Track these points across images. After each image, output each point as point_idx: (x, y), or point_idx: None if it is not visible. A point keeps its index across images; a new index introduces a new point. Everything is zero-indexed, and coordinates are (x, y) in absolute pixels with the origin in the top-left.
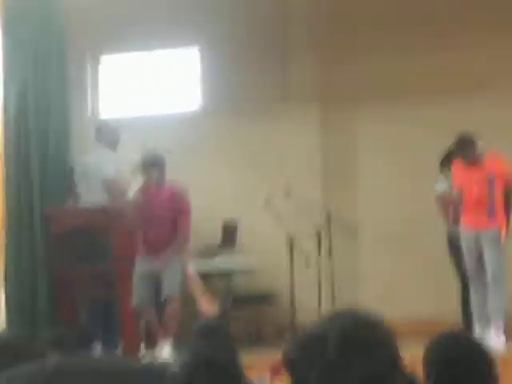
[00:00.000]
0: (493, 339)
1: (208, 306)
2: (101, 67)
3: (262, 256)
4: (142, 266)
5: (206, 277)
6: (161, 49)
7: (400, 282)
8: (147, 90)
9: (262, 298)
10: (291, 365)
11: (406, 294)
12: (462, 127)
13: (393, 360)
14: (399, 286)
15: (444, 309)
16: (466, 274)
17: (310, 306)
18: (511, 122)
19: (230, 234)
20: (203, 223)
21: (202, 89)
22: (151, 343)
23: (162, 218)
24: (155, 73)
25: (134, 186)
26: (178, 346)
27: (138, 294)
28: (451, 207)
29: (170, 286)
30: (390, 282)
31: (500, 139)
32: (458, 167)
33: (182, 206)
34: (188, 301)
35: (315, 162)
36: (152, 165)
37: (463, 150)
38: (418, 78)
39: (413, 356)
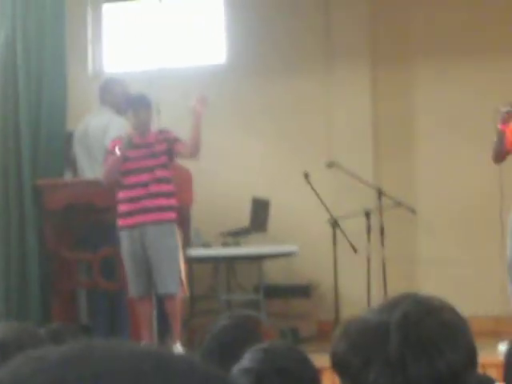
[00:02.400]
0: None
1: None
2: (104, 16)
3: (299, 239)
4: (127, 242)
5: (233, 263)
6: None
7: (464, 272)
8: (159, 43)
9: (300, 289)
10: (342, 364)
11: (470, 287)
12: None
13: (471, 353)
14: (462, 275)
15: None
16: None
17: (357, 298)
18: None
19: (260, 214)
20: (229, 200)
21: (227, 41)
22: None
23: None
24: (169, 23)
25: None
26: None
27: (131, 280)
28: None
29: (165, 282)
30: (452, 272)
31: None
32: None
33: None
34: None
35: (364, 129)
36: (149, 105)
37: None
38: (486, 30)
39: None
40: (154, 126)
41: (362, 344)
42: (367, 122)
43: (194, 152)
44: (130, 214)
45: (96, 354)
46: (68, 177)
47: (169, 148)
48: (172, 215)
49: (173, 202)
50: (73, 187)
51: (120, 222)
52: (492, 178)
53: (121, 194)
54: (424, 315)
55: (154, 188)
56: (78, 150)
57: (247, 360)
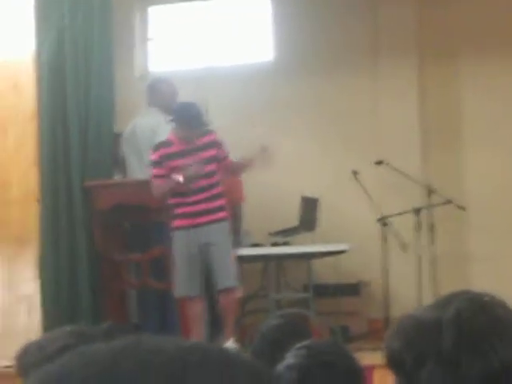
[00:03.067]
0: None
1: None
2: (150, 17)
3: (348, 238)
4: (182, 242)
5: (282, 262)
6: None
7: None
8: (206, 42)
9: (350, 288)
10: (397, 361)
11: None
12: None
13: None
14: None
15: None
16: None
17: (408, 296)
18: None
19: (309, 213)
20: (278, 200)
21: (275, 40)
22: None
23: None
24: (216, 21)
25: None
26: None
27: (182, 280)
28: None
29: (225, 277)
30: (504, 268)
31: None
32: None
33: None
34: None
35: (412, 126)
36: (200, 123)
37: None
38: None
39: None
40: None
41: (415, 341)
42: (415, 119)
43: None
44: (186, 215)
45: (144, 347)
46: (117, 178)
47: (218, 156)
48: (225, 214)
49: (224, 202)
50: (122, 187)
51: (176, 223)
52: None
53: (176, 200)
54: (477, 312)
55: (208, 192)
56: (127, 151)
57: (290, 357)
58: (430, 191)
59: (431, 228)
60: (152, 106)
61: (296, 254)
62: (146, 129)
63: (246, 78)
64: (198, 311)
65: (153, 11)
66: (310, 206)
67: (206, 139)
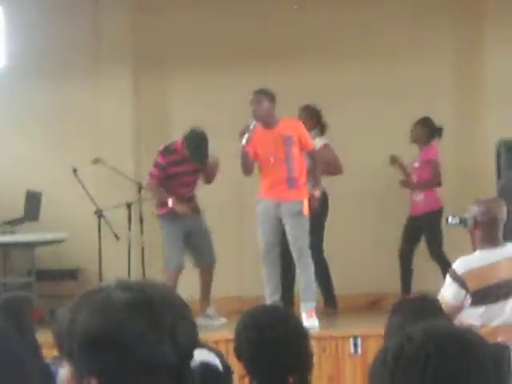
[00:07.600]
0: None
1: None
2: None
3: (67, 228)
4: None
5: (8, 249)
6: None
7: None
8: None
9: (69, 273)
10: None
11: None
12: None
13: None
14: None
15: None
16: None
17: None
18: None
19: (33, 205)
20: (3, 193)
21: (7, 47)
22: None
23: None
24: None
25: None
26: None
27: None
28: None
29: None
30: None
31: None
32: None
33: None
34: None
35: (127, 129)
36: None
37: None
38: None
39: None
40: None
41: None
42: (130, 121)
43: None
44: None
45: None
46: None
47: None
48: None
49: None
50: None
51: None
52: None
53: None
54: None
55: None
56: None
57: None
58: (141, 188)
59: (141, 220)
60: None
61: (20, 242)
62: None
63: None
64: None
65: None
66: (33, 199)
67: None
